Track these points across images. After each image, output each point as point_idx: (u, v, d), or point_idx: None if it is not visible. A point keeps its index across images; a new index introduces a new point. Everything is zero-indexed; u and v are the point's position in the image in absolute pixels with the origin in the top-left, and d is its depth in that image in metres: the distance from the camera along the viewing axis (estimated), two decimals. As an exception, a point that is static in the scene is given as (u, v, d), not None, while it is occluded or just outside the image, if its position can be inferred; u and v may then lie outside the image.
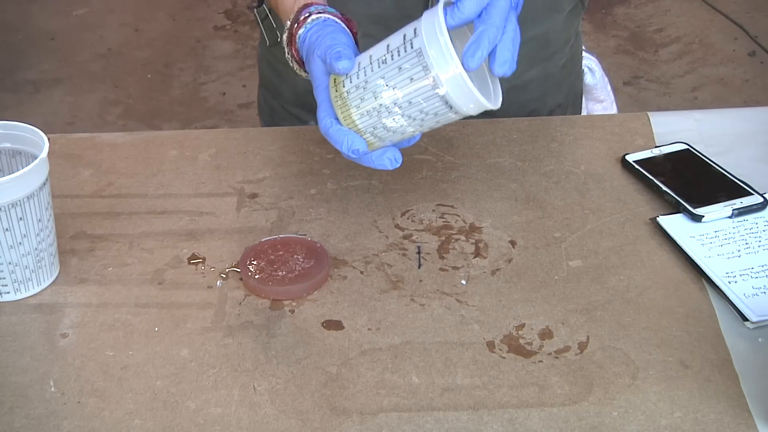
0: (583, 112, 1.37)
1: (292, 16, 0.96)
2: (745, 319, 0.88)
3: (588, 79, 1.35)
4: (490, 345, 0.88)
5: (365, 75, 0.85)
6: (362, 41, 1.13)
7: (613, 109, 1.40)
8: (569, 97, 1.31)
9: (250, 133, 1.18)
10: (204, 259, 0.99)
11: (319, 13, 0.95)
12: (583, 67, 1.34)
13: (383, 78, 0.84)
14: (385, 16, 1.13)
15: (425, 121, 0.86)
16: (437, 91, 0.82)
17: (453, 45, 0.81)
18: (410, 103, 0.84)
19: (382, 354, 0.88)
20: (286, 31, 0.96)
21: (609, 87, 1.39)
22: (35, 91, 3.17)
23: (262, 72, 1.34)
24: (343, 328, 0.91)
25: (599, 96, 1.38)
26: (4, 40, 3.41)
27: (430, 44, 0.81)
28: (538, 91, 1.24)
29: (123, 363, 0.88)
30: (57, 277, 0.97)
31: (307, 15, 0.95)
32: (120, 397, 0.84)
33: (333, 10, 0.96)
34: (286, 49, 0.97)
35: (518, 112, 1.20)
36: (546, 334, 0.89)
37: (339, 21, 0.94)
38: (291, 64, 0.98)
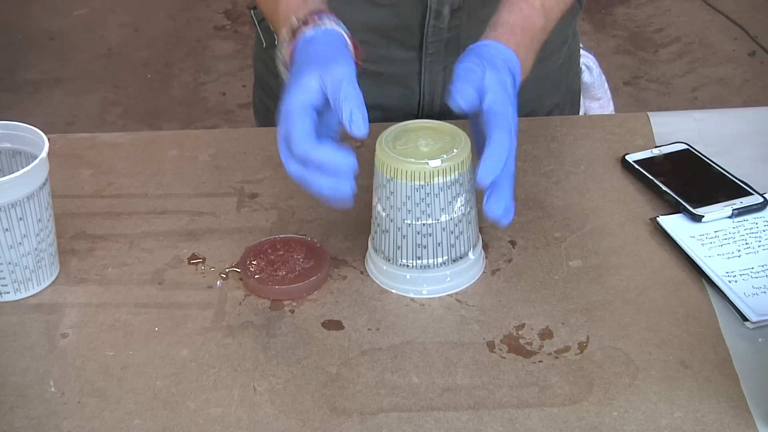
0: (581, 110, 1.36)
1: (300, 14, 0.92)
2: (745, 319, 0.88)
3: (585, 77, 1.35)
4: (490, 345, 0.88)
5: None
6: None
7: (610, 107, 1.40)
8: (567, 96, 1.30)
9: (250, 133, 1.18)
10: (204, 259, 0.99)
11: (332, 23, 0.91)
12: (580, 65, 1.34)
13: None
14: (382, 26, 1.13)
15: None
16: None
17: None
18: None
19: (382, 354, 0.88)
20: (287, 31, 0.92)
21: (606, 85, 1.39)
22: (35, 91, 3.16)
23: (258, 72, 1.33)
24: (343, 328, 0.91)
25: (596, 94, 1.38)
26: (4, 40, 3.41)
27: None
28: (535, 93, 1.24)
29: (123, 363, 0.88)
30: (57, 277, 0.97)
31: (318, 19, 0.91)
32: (120, 397, 0.84)
33: (346, 29, 0.92)
34: (280, 47, 0.93)
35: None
36: (546, 334, 0.89)
37: (348, 40, 0.91)
38: (277, 64, 0.94)
